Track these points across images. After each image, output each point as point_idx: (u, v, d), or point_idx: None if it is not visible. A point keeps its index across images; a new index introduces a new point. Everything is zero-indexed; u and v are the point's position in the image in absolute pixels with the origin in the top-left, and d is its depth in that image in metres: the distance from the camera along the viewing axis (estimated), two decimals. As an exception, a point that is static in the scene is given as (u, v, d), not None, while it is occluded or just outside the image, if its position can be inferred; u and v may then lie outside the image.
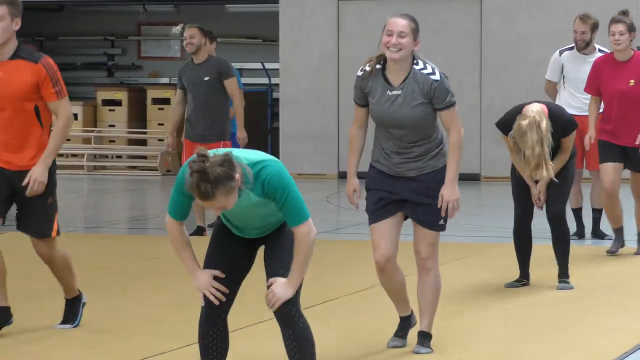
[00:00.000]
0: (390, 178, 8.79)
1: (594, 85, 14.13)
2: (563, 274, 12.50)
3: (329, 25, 25.17)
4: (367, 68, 8.52)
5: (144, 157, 26.30)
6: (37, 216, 10.16)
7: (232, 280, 7.47)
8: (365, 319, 11.06)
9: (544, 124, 11.68)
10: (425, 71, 8.11)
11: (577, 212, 15.58)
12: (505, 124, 12.14)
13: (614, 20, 14.00)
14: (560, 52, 15.46)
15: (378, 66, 8.54)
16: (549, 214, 12.60)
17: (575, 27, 15.30)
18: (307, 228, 7.25)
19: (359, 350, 9.83)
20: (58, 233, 10.32)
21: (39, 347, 10.03)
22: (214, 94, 15.95)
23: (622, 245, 14.29)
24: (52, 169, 10.08)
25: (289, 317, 7.38)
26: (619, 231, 14.18)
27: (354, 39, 24.91)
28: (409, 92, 8.20)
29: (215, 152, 7.02)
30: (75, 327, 10.39)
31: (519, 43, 22.88)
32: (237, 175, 6.85)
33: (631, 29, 13.87)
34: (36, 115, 9.97)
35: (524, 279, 12.52)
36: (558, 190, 12.24)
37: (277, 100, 25.90)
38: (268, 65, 26.78)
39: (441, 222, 8.91)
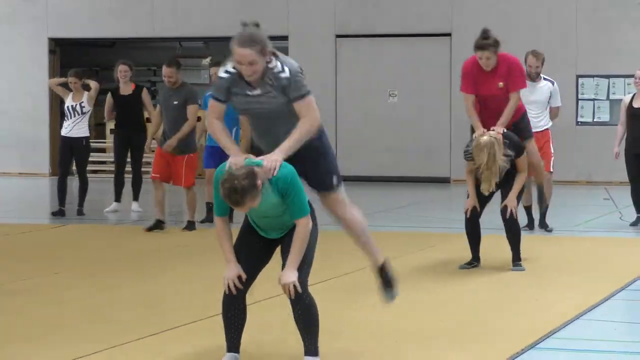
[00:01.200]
0: None
1: None
2: (516, 259, 12.47)
3: (328, 57, 25.14)
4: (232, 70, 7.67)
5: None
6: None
7: (251, 270, 7.83)
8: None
9: (497, 145, 11.85)
10: (276, 70, 7.53)
11: (528, 209, 15.50)
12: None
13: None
14: None
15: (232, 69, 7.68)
16: (503, 212, 12.46)
17: (529, 62, 15.27)
18: (306, 221, 7.59)
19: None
20: None
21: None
22: (181, 115, 15.85)
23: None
24: None
25: (296, 295, 7.59)
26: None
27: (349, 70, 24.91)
28: (266, 90, 7.63)
29: (242, 165, 7.38)
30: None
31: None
32: (259, 182, 7.22)
33: None
34: None
35: (474, 261, 12.57)
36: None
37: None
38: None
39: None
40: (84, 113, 17.54)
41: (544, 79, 15.48)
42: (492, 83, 12.28)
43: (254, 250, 7.94)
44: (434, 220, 16.48)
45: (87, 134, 17.83)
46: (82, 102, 17.50)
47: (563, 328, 9.62)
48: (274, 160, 7.43)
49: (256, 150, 8.05)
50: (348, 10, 25.22)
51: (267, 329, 9.09)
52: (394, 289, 8.49)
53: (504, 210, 12.38)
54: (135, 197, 18.01)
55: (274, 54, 7.55)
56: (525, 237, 13.56)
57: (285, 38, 25.48)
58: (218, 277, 7.98)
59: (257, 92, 7.48)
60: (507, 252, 12.65)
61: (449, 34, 24.68)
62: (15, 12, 26.75)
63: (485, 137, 11.85)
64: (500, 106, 12.27)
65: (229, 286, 7.64)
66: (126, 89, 17.25)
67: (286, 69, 7.47)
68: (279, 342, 8.88)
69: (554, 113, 15.62)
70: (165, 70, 16.05)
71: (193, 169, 16.10)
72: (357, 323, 9.68)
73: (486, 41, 12.30)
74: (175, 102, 15.92)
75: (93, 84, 17.69)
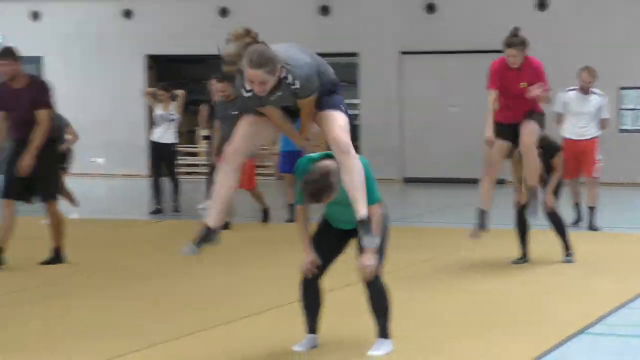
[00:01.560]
0: None
1: None
2: (566, 250, 12.32)
3: (393, 72, 25.09)
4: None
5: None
6: None
7: (326, 258, 7.97)
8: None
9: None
10: (287, 82, 7.22)
11: (576, 206, 15.36)
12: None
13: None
14: (567, 91, 15.38)
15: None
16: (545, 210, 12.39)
17: (583, 77, 15.16)
18: (377, 208, 7.69)
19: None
20: None
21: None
22: None
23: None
24: None
25: (371, 280, 7.77)
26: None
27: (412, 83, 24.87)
28: (282, 96, 7.36)
29: (320, 162, 7.50)
30: None
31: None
32: (335, 180, 7.33)
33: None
34: None
35: (524, 257, 12.48)
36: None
37: (356, 127, 25.81)
38: (348, 100, 26.65)
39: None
40: (172, 120, 17.77)
41: (594, 92, 15.25)
42: (516, 82, 12.08)
43: (329, 240, 8.02)
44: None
45: (175, 140, 18.02)
46: (171, 111, 17.64)
47: (610, 315, 9.55)
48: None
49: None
50: (411, 30, 25.13)
51: (343, 313, 9.08)
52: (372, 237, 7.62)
53: (543, 207, 12.27)
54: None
55: (284, 66, 7.18)
56: (574, 234, 13.42)
57: (355, 55, 25.43)
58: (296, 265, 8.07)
59: (274, 96, 7.32)
60: (557, 246, 12.53)
61: (498, 51, 24.45)
62: (119, 32, 26.97)
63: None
64: (520, 105, 12.05)
65: (306, 271, 7.84)
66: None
67: (297, 82, 7.21)
68: (354, 325, 8.84)
69: (602, 124, 15.34)
70: (219, 86, 16.06)
71: (253, 172, 15.98)
72: (420, 312, 9.65)
73: (515, 39, 12.35)
74: (234, 113, 15.73)
75: (180, 92, 17.84)
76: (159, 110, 17.97)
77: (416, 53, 25.13)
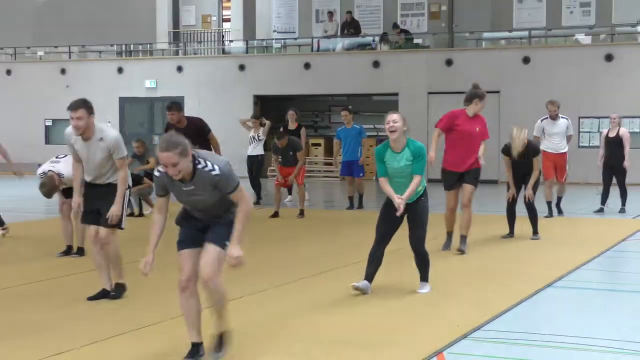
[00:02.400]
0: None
1: None
2: (535, 232, 12.13)
3: (423, 106, 25.03)
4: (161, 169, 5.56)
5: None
6: None
7: (390, 229, 8.11)
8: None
9: (525, 130, 11.99)
10: (207, 169, 5.41)
11: (548, 203, 14.71)
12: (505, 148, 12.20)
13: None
14: (542, 120, 14.97)
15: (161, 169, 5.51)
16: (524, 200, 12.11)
17: (549, 108, 14.82)
18: (418, 179, 7.92)
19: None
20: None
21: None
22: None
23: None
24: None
25: (416, 249, 8.12)
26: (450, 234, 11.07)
27: (436, 114, 24.81)
28: (199, 185, 5.46)
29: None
30: None
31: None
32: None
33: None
34: None
35: (511, 234, 12.39)
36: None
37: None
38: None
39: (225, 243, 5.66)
40: (260, 140, 17.71)
41: (561, 117, 14.87)
42: (472, 125, 11.01)
43: (392, 218, 7.99)
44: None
45: (261, 152, 17.90)
46: (259, 134, 17.66)
47: (569, 273, 9.48)
48: (237, 257, 5.59)
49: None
50: (435, 77, 25.07)
51: (393, 272, 8.97)
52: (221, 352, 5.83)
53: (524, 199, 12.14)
54: (290, 192, 17.67)
55: (200, 155, 5.49)
56: (544, 220, 13.35)
57: (396, 94, 25.42)
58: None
59: (192, 187, 5.47)
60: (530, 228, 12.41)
61: (498, 92, 24.36)
62: (235, 79, 27.19)
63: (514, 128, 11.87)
64: (472, 143, 10.93)
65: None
66: (292, 126, 17.02)
67: (216, 167, 5.42)
68: (401, 277, 8.81)
69: (568, 139, 14.98)
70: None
71: (304, 172, 15.55)
72: (442, 267, 9.55)
73: (478, 90, 11.41)
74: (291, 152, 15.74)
75: (267, 122, 17.88)
76: (250, 133, 17.87)
77: (439, 93, 25.04)
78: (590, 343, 6.44)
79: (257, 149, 17.76)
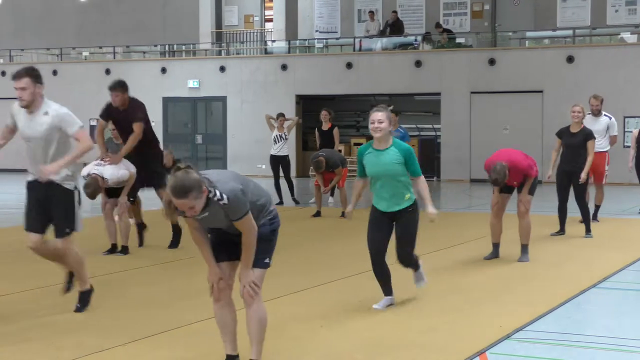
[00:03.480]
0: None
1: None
2: (587, 230, 12.15)
3: (465, 105, 24.94)
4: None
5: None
6: None
7: (383, 242, 7.51)
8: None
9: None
10: (216, 198, 5.07)
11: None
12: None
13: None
14: None
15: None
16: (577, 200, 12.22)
17: (591, 102, 13.95)
18: (422, 178, 7.34)
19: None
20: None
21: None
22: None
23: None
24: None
25: (406, 265, 7.70)
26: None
27: (478, 113, 24.69)
28: (212, 211, 5.12)
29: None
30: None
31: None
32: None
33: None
34: None
35: (561, 231, 12.33)
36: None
37: (439, 143, 25.70)
38: (435, 125, 26.55)
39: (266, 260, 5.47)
40: (285, 139, 17.57)
41: (604, 114, 14.09)
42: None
43: (381, 227, 7.49)
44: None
45: (287, 152, 17.73)
46: (285, 133, 17.57)
47: (614, 274, 9.40)
48: (247, 280, 5.30)
49: None
50: (477, 77, 24.95)
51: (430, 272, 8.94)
52: None
53: (578, 199, 12.09)
54: (332, 194, 17.30)
55: (211, 183, 5.12)
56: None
57: (439, 94, 25.35)
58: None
59: (205, 214, 5.12)
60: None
61: (540, 91, 24.19)
62: (278, 79, 27.24)
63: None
64: None
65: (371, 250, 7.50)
66: (325, 126, 16.69)
67: (224, 197, 5.07)
68: (438, 277, 8.79)
69: (612, 140, 14.08)
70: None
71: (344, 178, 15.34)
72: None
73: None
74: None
75: (294, 118, 17.83)
76: (275, 132, 17.60)
77: (481, 92, 24.94)
78: (634, 344, 6.39)
79: (284, 149, 17.56)
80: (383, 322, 7.07)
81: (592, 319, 7.45)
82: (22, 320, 7.08)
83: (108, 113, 11.05)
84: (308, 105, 27.27)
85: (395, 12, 28.38)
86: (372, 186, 7.53)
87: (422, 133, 26.82)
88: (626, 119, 22.85)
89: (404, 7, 29.22)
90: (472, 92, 25.04)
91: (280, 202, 17.06)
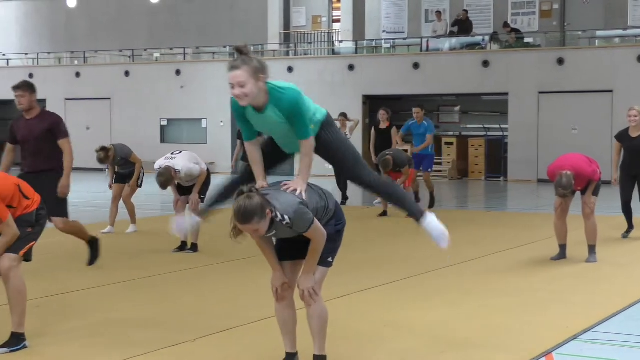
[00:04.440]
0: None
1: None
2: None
3: (533, 106, 24.69)
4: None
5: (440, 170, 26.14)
6: None
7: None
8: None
9: None
10: (278, 219, 4.93)
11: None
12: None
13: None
14: None
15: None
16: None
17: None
18: (308, 142, 5.34)
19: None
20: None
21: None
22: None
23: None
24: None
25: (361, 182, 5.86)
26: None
27: (546, 113, 24.45)
28: (279, 229, 5.04)
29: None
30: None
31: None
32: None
33: None
34: None
35: (630, 229, 12.23)
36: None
37: (506, 143, 25.47)
38: (502, 125, 26.32)
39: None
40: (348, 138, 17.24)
41: None
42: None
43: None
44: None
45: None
46: (346, 132, 17.28)
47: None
48: (306, 286, 5.22)
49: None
50: (546, 76, 24.68)
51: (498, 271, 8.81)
52: None
53: None
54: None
55: (273, 205, 4.92)
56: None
57: (506, 94, 25.14)
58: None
59: (273, 232, 4.99)
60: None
61: (610, 91, 23.82)
62: (345, 79, 27.30)
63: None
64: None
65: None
66: (383, 125, 16.49)
67: (286, 217, 4.91)
68: (499, 276, 8.70)
69: None
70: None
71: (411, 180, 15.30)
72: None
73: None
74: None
75: (355, 119, 17.71)
76: None
77: (549, 92, 24.67)
78: None
79: None
80: (449, 319, 7.07)
81: (661, 321, 7.33)
82: (93, 316, 7.22)
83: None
84: (375, 105, 27.21)
85: (466, 10, 28.22)
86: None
87: (489, 133, 26.60)
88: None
89: (472, 6, 29.01)
90: (540, 92, 24.78)
91: (344, 202, 16.95)
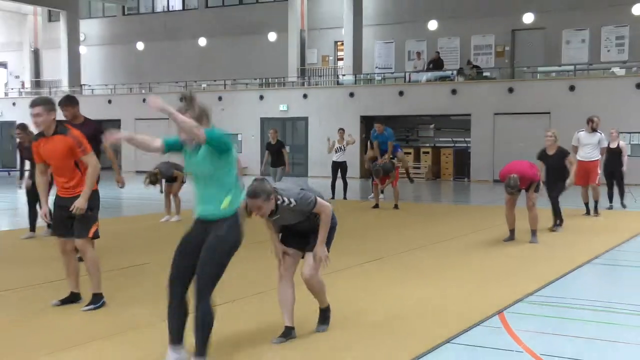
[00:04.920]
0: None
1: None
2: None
3: (490, 124, 24.54)
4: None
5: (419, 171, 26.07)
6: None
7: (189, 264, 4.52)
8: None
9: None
10: (284, 204, 4.76)
11: (586, 205, 13.43)
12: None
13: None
14: (578, 132, 13.76)
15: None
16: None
17: (594, 120, 13.37)
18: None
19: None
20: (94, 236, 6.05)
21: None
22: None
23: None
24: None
25: (198, 301, 4.23)
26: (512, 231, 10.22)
27: (500, 130, 24.22)
28: (283, 214, 4.83)
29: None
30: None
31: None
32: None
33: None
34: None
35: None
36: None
37: (469, 152, 25.24)
38: (467, 139, 26.14)
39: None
40: (343, 150, 16.72)
41: (598, 132, 13.39)
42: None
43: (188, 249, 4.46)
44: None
45: (345, 159, 16.83)
46: (344, 145, 16.75)
47: (605, 253, 9.21)
48: (324, 256, 4.97)
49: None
50: (499, 102, 24.62)
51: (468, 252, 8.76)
52: (325, 324, 5.34)
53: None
54: (382, 192, 16.25)
55: (279, 193, 4.78)
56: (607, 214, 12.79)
57: (469, 115, 25.08)
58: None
59: (277, 216, 4.79)
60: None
61: (548, 112, 23.76)
62: (347, 104, 27.23)
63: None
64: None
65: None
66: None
67: (292, 200, 4.75)
68: (465, 256, 8.64)
69: (602, 151, 13.46)
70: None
71: (397, 179, 15.13)
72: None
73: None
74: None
75: (351, 138, 17.04)
76: (337, 144, 16.86)
77: (502, 114, 24.60)
78: (617, 307, 6.30)
79: (343, 157, 16.78)
80: (423, 290, 7.00)
81: (587, 287, 7.34)
82: (156, 284, 7.16)
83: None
84: (369, 123, 27.18)
85: (437, 52, 28.23)
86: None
87: (456, 145, 26.58)
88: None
89: (443, 48, 29.02)
90: (495, 114, 24.70)
91: (332, 198, 16.69)
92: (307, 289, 5.22)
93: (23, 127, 10.25)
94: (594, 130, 13.55)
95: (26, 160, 10.43)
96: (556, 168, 10.78)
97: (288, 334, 5.05)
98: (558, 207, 11.21)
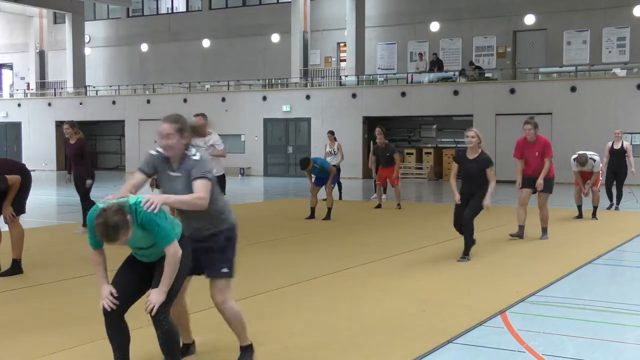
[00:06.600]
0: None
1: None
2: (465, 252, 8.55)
3: (492, 124, 24.50)
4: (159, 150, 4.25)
5: (421, 171, 26.03)
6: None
7: (127, 293, 4.15)
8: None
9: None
10: (191, 154, 4.18)
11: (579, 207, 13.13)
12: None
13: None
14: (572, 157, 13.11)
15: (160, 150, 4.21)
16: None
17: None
18: (174, 249, 3.95)
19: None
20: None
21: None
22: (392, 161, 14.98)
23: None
24: None
25: (156, 318, 4.02)
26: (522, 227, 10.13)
27: (502, 129, 24.19)
28: (184, 172, 4.16)
29: (113, 203, 3.87)
30: None
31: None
32: (129, 217, 3.82)
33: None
34: None
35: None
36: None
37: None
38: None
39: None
40: (335, 154, 16.22)
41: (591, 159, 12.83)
42: (532, 151, 10.05)
43: (129, 278, 4.15)
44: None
45: (337, 162, 15.97)
46: (335, 149, 16.31)
47: (606, 253, 9.17)
48: (154, 200, 3.90)
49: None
50: (501, 102, 24.60)
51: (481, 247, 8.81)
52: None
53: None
54: (385, 191, 16.19)
55: (194, 147, 4.26)
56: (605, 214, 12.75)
57: (471, 115, 25.05)
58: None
59: (178, 174, 4.19)
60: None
61: (550, 113, 23.73)
62: (349, 105, 27.26)
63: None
64: (536, 164, 10.06)
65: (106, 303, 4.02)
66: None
67: (198, 154, 4.18)
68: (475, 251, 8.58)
69: (604, 153, 13.38)
70: (377, 130, 14.90)
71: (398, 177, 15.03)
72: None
73: (530, 120, 10.21)
74: (387, 154, 14.85)
75: (341, 153, 16.28)
76: (327, 148, 16.46)
77: (504, 114, 24.59)
78: (620, 307, 6.26)
79: (335, 160, 16.20)
80: (427, 285, 6.99)
81: (589, 287, 7.29)
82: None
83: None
84: (372, 124, 27.22)
85: (435, 53, 28.24)
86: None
87: (458, 145, 26.53)
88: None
89: (445, 49, 28.99)
90: (497, 114, 24.69)
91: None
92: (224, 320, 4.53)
93: (72, 124, 10.87)
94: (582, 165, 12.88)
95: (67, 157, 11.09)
96: (474, 178, 8.53)
97: (186, 350, 4.67)
98: (471, 231, 8.50)
